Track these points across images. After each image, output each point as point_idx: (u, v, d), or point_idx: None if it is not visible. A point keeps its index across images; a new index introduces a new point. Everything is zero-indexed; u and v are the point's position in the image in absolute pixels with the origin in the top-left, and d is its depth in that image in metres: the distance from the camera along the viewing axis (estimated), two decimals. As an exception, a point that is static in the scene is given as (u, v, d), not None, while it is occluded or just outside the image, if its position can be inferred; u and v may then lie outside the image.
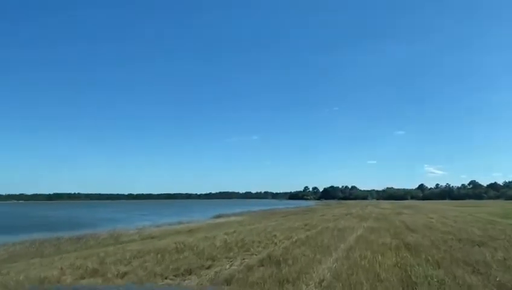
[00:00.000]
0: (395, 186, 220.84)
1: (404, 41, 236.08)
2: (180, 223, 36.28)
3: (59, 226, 36.07)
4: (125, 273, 7.48)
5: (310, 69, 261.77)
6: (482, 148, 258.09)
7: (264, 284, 6.55)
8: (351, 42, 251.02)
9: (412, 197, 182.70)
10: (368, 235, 14.95)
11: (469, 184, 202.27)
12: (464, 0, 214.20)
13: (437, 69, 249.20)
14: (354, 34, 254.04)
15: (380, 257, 9.54)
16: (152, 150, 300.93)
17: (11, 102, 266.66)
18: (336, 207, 66.23)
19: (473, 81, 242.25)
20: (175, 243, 12.23)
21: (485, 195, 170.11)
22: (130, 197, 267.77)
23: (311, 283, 6.80)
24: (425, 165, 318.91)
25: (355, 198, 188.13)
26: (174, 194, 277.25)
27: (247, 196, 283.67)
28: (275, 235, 14.65)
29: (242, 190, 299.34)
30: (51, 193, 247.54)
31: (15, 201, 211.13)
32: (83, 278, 7.36)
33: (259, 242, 12.46)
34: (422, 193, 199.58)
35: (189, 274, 7.58)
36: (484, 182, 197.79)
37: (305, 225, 20.47)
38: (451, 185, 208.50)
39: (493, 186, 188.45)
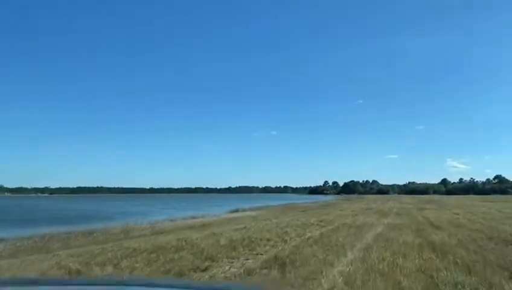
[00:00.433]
0: (417, 181, 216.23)
1: (426, 35, 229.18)
2: (195, 217, 35.59)
3: (75, 220, 36.01)
4: (108, 276, 6.63)
5: (331, 63, 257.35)
6: (508, 142, 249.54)
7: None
8: (373, 35, 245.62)
9: (435, 192, 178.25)
10: (388, 233, 13.77)
11: (494, 179, 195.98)
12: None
13: (462, 64, 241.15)
14: (377, 26, 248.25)
15: (400, 259, 8.43)
16: (173, 145, 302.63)
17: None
18: (355, 202, 64.61)
19: (499, 75, 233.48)
20: (177, 240, 11.40)
21: (511, 190, 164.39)
22: (152, 191, 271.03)
23: (318, 291, 5.79)
24: (448, 160, 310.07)
25: (377, 193, 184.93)
26: (195, 188, 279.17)
27: (267, 190, 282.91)
28: (286, 232, 13.65)
29: (262, 185, 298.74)
30: (75, 186, 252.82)
31: (40, 194, 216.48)
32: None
33: (268, 240, 11.48)
34: (445, 188, 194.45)
35: (180, 277, 6.67)
36: (511, 176, 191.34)
37: (321, 221, 19.37)
38: (475, 180, 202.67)
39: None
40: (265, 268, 7.42)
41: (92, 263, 8.10)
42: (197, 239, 11.68)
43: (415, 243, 11.16)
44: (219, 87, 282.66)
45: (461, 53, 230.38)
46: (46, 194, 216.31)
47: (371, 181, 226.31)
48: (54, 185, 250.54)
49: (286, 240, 11.66)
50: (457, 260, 8.52)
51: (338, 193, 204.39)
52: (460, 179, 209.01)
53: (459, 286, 6.30)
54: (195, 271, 7.26)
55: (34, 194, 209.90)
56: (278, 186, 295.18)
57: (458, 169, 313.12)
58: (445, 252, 9.73)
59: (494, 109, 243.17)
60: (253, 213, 39.81)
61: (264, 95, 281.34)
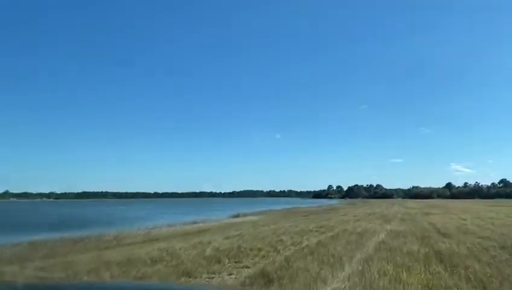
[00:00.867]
0: (421, 185, 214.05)
1: (430, 37, 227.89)
2: (195, 222, 34.69)
3: (72, 226, 35.25)
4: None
5: (335, 67, 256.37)
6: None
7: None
8: (377, 38, 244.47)
9: (439, 196, 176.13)
10: (391, 241, 12.71)
11: (499, 183, 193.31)
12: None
13: (465, 67, 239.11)
14: (381, 30, 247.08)
15: (404, 274, 7.41)
16: (178, 149, 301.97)
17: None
18: (359, 206, 63.37)
19: (503, 78, 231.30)
20: (159, 250, 10.42)
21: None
22: (156, 195, 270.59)
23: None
24: (452, 164, 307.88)
25: (381, 197, 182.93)
26: (199, 192, 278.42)
27: (271, 194, 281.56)
28: (281, 240, 12.64)
29: (266, 189, 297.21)
30: (80, 191, 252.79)
31: (45, 199, 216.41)
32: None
33: (259, 250, 10.47)
34: (450, 192, 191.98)
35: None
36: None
37: (321, 226, 18.32)
38: (480, 184, 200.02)
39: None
40: (247, 285, 6.44)
41: (49, 277, 7.15)
42: (180, 249, 10.68)
43: (421, 253, 10.11)
44: (223, 91, 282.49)
45: (465, 57, 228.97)
46: (51, 199, 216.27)
47: (375, 185, 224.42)
48: (59, 190, 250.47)
49: (279, 250, 10.64)
50: (469, 275, 7.49)
51: (342, 197, 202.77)
52: (465, 183, 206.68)
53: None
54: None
55: (39, 199, 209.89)
56: (282, 190, 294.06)
57: (462, 173, 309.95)
58: (454, 264, 8.69)
59: (498, 113, 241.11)
60: (254, 218, 38.76)
61: (268, 99, 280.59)
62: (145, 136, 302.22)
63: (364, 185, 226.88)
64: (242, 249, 10.25)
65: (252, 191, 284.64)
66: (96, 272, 7.54)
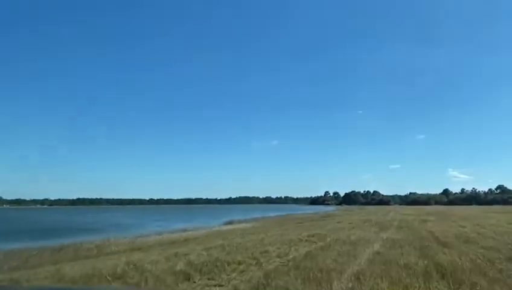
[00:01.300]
0: (418, 192, 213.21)
1: (427, 44, 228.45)
2: (185, 230, 33.50)
3: (58, 233, 34.26)
4: None
5: (332, 73, 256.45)
6: (509, 152, 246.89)
7: None
8: (374, 44, 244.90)
9: (436, 203, 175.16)
10: (387, 252, 11.59)
11: (497, 189, 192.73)
12: (495, 5, 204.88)
13: (462, 73, 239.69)
14: (378, 36, 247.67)
15: (401, 294, 6.31)
16: (173, 155, 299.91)
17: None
18: (355, 213, 62.21)
19: (500, 86, 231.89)
20: (125, 264, 9.24)
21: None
22: (151, 202, 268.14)
23: None
24: (449, 170, 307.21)
25: (378, 203, 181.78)
26: (195, 199, 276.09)
27: (268, 200, 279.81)
28: (266, 251, 11.48)
29: (262, 195, 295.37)
30: (75, 198, 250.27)
31: (39, 206, 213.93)
32: None
33: (239, 263, 9.32)
34: (447, 198, 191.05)
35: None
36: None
37: (313, 235, 17.15)
38: (477, 190, 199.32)
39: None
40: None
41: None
42: (150, 262, 9.51)
43: (420, 267, 8.99)
44: (219, 96, 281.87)
45: (463, 64, 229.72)
46: (45, 206, 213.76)
47: (372, 192, 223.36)
48: (53, 196, 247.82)
49: (261, 263, 9.49)
50: (477, 295, 6.40)
51: (339, 204, 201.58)
52: (462, 190, 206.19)
53: None
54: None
55: (33, 206, 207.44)
56: (278, 196, 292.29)
57: (460, 179, 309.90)
58: (459, 280, 7.58)
59: (495, 119, 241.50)
60: (246, 225, 37.56)
61: (265, 105, 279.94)
62: (141, 142, 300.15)
63: (361, 192, 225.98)
64: (218, 263, 9.07)
65: (249, 197, 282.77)
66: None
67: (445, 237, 16.40)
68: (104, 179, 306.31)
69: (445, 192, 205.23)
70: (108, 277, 7.66)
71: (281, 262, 9.72)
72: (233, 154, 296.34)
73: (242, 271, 8.50)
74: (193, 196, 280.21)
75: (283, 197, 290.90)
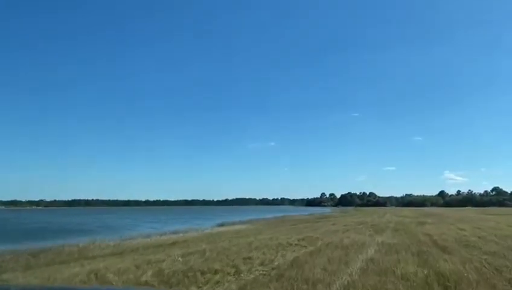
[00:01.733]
0: (414, 193, 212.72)
1: (423, 46, 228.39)
2: (175, 232, 32.44)
3: (44, 235, 33.12)
4: None
5: (327, 75, 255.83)
6: (504, 154, 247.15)
7: None
8: (369, 47, 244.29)
9: (432, 204, 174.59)
10: (382, 258, 10.56)
11: (492, 190, 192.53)
12: (487, 5, 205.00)
13: (457, 75, 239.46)
14: (374, 39, 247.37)
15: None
16: (170, 156, 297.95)
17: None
18: (351, 215, 61.25)
19: (495, 86, 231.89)
20: (88, 273, 8.19)
21: (509, 202, 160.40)
22: (148, 203, 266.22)
23: None
24: (446, 172, 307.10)
25: (374, 205, 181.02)
26: (191, 200, 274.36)
27: (264, 202, 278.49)
28: (249, 258, 10.42)
29: (259, 197, 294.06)
30: (70, 199, 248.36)
31: (35, 207, 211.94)
32: None
33: (215, 272, 8.26)
34: (443, 200, 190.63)
35: None
36: (508, 188, 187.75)
37: (303, 239, 16.10)
38: (473, 192, 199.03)
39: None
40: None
41: None
42: (117, 271, 8.45)
43: (419, 277, 7.97)
44: (216, 98, 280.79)
45: (459, 67, 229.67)
46: (40, 207, 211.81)
47: (368, 193, 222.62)
48: (49, 197, 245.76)
49: (241, 272, 8.44)
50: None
51: (335, 205, 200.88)
52: (458, 191, 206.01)
53: None
54: None
55: (28, 207, 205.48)
56: (275, 198, 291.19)
57: (455, 181, 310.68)
58: (463, 294, 6.58)
59: (491, 121, 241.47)
60: (239, 227, 36.53)
61: (262, 107, 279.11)
62: (137, 143, 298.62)
63: (358, 193, 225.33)
64: (191, 273, 7.99)
65: (245, 199, 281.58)
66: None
67: (445, 241, 15.40)
68: (100, 181, 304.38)
69: (441, 194, 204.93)
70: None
71: (263, 271, 8.68)
72: (230, 156, 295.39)
73: (217, 282, 7.45)
74: (190, 198, 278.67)
75: (280, 198, 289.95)
